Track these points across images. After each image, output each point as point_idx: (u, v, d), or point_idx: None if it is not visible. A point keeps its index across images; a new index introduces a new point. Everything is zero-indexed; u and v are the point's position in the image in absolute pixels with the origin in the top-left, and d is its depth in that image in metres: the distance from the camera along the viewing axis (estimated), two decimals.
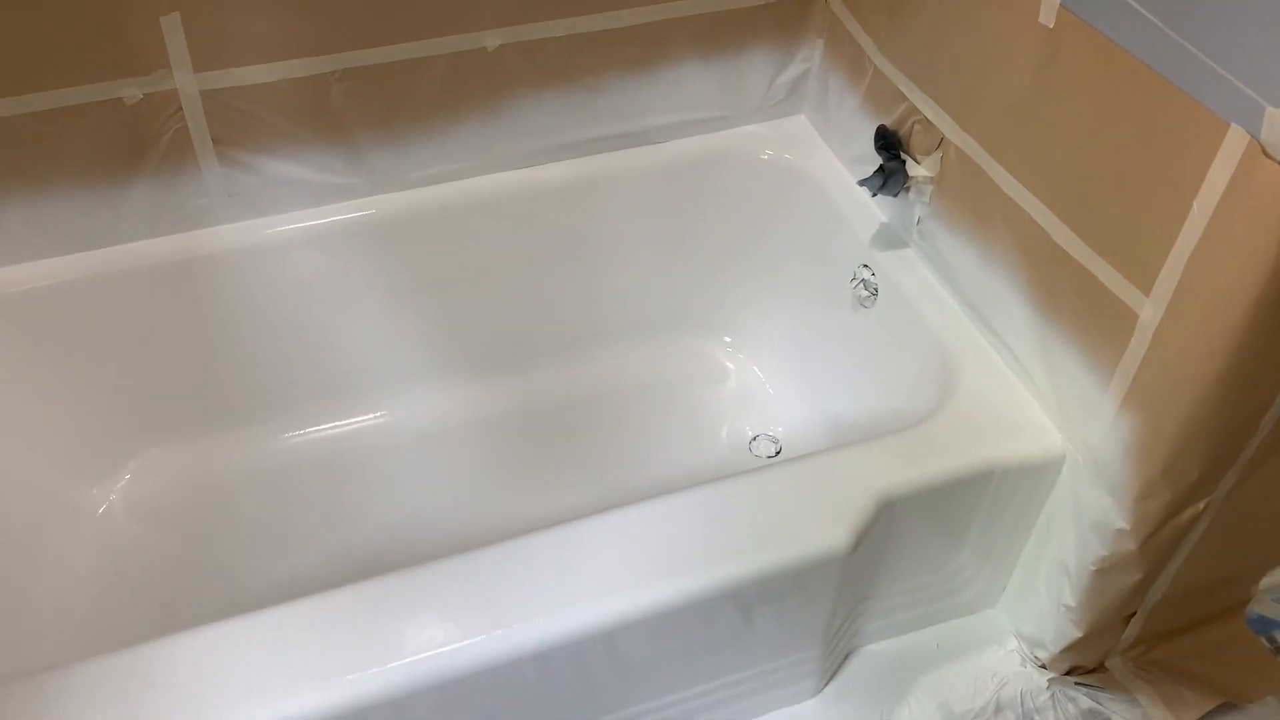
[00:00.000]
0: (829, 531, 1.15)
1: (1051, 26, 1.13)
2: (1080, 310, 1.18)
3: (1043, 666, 1.39)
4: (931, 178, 1.41)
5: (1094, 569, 1.23)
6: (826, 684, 1.39)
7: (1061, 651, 1.35)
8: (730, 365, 1.85)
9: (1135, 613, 1.33)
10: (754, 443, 1.73)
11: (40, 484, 1.54)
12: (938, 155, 1.39)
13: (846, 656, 1.42)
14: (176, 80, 1.37)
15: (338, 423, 1.73)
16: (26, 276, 1.45)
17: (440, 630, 1.05)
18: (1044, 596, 1.34)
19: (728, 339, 1.87)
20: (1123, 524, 1.17)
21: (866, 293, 1.53)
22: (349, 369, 1.71)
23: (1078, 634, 1.30)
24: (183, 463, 1.65)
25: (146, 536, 1.58)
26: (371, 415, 1.75)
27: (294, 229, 1.55)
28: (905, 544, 1.28)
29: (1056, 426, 1.26)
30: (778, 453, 1.71)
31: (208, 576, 1.54)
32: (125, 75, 1.35)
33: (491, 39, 1.49)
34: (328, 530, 1.61)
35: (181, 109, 1.39)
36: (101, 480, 1.61)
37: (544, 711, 1.18)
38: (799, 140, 1.71)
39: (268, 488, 1.65)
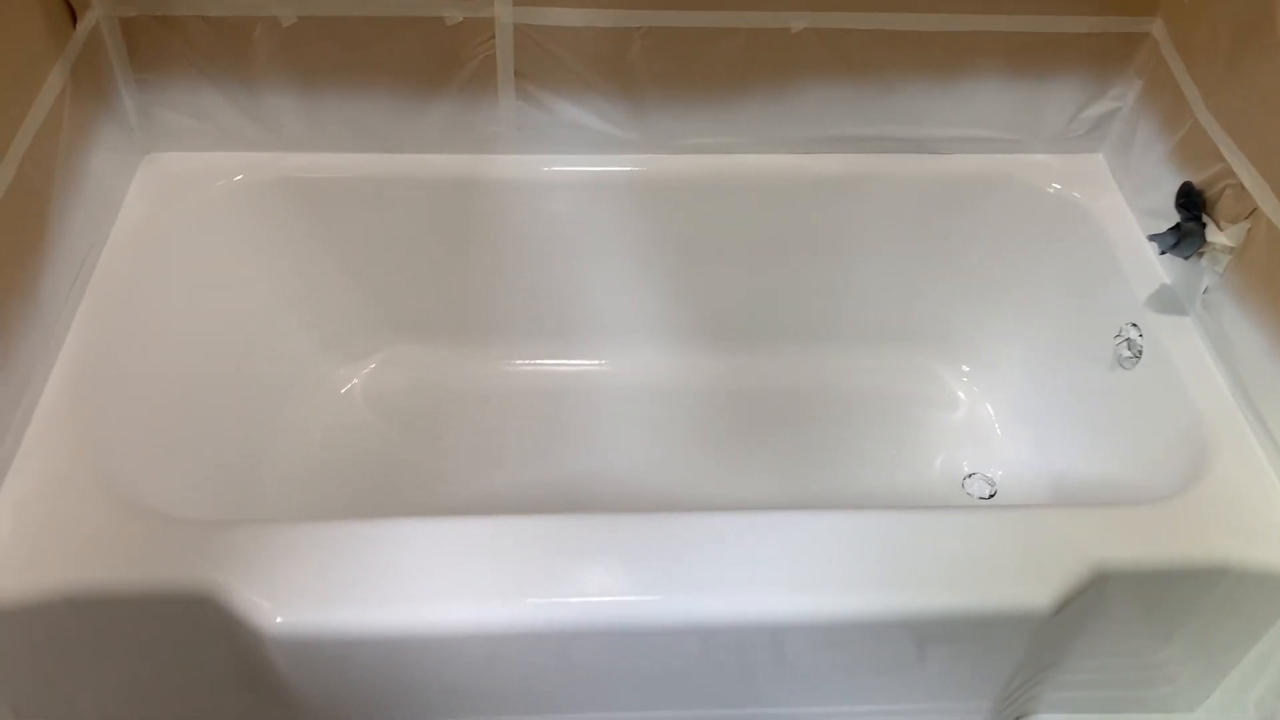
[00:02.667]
0: (1032, 589, 1.10)
1: None
2: None
3: None
4: (1232, 248, 1.30)
5: None
6: None
7: None
8: (962, 395, 1.78)
9: None
10: (968, 480, 1.67)
11: (300, 355, 1.68)
12: (1244, 225, 1.28)
13: (1018, 719, 1.36)
14: (496, 10, 1.44)
15: (562, 361, 1.80)
16: (329, 165, 1.57)
17: (621, 579, 1.08)
18: (1252, 718, 1.23)
19: (965, 368, 1.80)
20: None
21: (1129, 353, 1.44)
22: (585, 313, 1.77)
23: None
24: (421, 364, 1.76)
25: (375, 423, 1.69)
26: (595, 361, 1.80)
27: (568, 171, 1.61)
28: (1110, 622, 1.20)
29: None
30: (991, 496, 1.64)
31: (419, 471, 1.64)
32: None
33: (797, 20, 1.48)
34: (532, 458, 1.67)
35: (494, 38, 1.46)
36: (349, 363, 1.74)
37: (696, 686, 1.20)
38: (1091, 180, 1.62)
39: (489, 405, 1.73)
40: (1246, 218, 1.28)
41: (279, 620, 1.03)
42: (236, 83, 1.49)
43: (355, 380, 1.73)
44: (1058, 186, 1.61)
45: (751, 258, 1.72)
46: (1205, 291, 1.36)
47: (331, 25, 1.44)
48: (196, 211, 1.51)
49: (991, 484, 1.66)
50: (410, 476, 1.63)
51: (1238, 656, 1.26)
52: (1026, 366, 1.70)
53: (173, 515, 1.13)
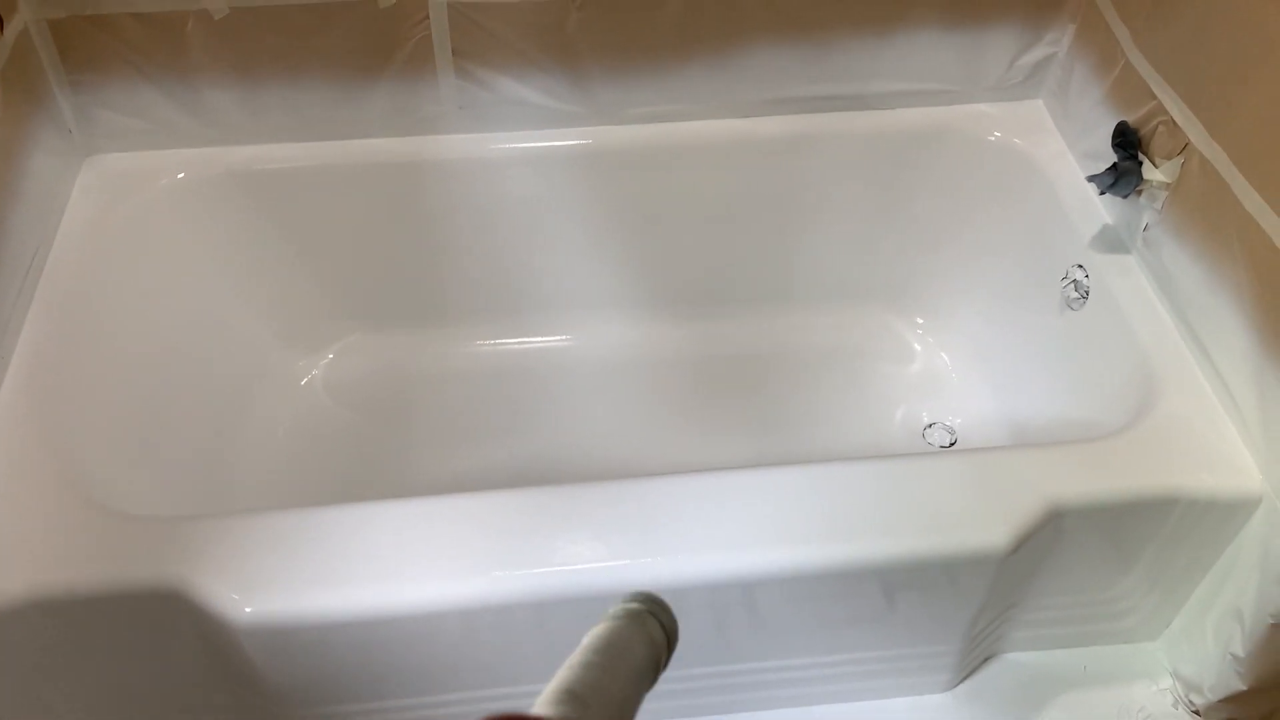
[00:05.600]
0: (989, 529, 1.12)
1: None
2: None
3: (1196, 713, 1.32)
4: (1167, 184, 1.33)
5: (1272, 623, 1.15)
6: (961, 681, 1.36)
7: (1220, 701, 1.27)
8: (918, 347, 1.81)
9: None
10: (929, 430, 1.70)
11: (257, 349, 1.67)
12: (1178, 161, 1.31)
13: (987, 659, 1.39)
14: None
15: (525, 339, 1.80)
16: (273, 156, 1.56)
17: (589, 547, 1.09)
18: (1210, 641, 1.27)
19: (920, 320, 1.82)
20: None
21: (1076, 294, 1.46)
22: (544, 290, 1.77)
23: (1241, 687, 1.23)
24: (381, 351, 1.76)
25: (339, 411, 1.69)
26: (558, 337, 1.81)
27: (515, 148, 1.61)
28: (1068, 558, 1.23)
29: (1258, 467, 1.18)
30: (952, 444, 1.67)
31: (386, 457, 1.64)
32: None
33: None
34: (499, 436, 1.68)
35: (428, 18, 1.46)
36: (308, 354, 1.74)
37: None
38: (1031, 126, 1.64)
39: (452, 388, 1.74)
40: (1180, 153, 1.30)
41: (248, 610, 1.03)
42: (174, 79, 1.48)
43: (315, 371, 1.73)
44: (998, 135, 1.63)
45: (704, 224, 1.73)
46: (1145, 229, 1.38)
47: (264, 15, 1.43)
48: (143, 211, 1.49)
49: (952, 432, 1.69)
50: (377, 463, 1.64)
51: (1193, 583, 1.30)
52: (979, 314, 1.73)
53: (137, 514, 1.13)
